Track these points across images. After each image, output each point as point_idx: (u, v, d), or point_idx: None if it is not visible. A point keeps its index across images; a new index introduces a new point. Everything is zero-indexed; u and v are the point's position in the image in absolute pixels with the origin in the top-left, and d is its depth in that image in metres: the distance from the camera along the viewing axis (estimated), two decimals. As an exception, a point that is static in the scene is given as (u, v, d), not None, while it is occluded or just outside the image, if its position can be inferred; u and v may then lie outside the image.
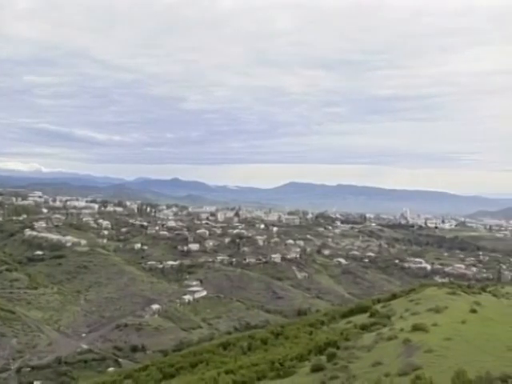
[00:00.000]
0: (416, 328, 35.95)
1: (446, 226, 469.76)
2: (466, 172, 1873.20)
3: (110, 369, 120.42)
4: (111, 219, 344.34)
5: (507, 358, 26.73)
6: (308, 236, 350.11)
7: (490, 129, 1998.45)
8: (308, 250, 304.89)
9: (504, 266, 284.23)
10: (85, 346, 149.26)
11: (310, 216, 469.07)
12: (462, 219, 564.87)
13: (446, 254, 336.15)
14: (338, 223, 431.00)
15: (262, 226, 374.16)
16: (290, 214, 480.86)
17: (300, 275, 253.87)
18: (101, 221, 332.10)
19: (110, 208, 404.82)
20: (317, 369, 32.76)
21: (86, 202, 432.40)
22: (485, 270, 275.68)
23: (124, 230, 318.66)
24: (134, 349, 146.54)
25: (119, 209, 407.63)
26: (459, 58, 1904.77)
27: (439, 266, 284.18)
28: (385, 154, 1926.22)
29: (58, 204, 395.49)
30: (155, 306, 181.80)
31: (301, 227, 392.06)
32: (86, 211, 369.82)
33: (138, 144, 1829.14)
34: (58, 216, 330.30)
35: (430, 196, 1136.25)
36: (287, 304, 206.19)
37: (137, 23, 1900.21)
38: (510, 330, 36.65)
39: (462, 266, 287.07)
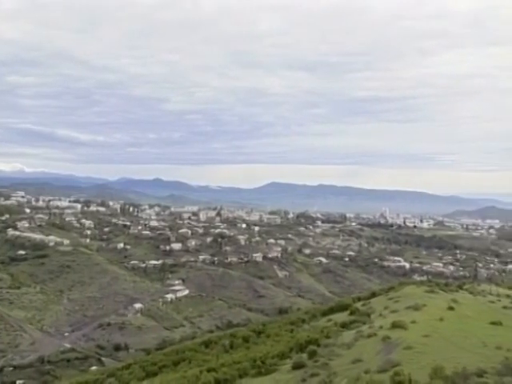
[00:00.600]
0: (395, 325, 36.16)
1: (425, 225, 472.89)
2: (445, 172, 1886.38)
3: (93, 367, 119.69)
4: (94, 219, 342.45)
5: (483, 354, 27.02)
6: (289, 235, 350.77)
7: (467, 130, 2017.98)
8: (289, 249, 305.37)
9: (480, 265, 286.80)
10: (68, 345, 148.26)
11: (291, 216, 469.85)
12: (440, 219, 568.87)
13: (424, 253, 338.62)
14: (319, 223, 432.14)
15: (244, 225, 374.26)
16: (271, 213, 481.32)
17: (281, 274, 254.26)
18: (84, 220, 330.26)
19: (92, 208, 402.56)
20: (298, 366, 32.87)
21: (69, 201, 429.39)
22: (462, 269, 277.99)
23: (107, 229, 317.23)
24: (117, 347, 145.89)
25: (102, 209, 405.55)
26: (437, 61, 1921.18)
27: (418, 265, 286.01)
28: (365, 155, 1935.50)
29: (40, 204, 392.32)
30: (138, 305, 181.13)
31: (282, 227, 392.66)
32: (69, 211, 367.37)
33: (120, 144, 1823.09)
34: (40, 216, 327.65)
35: (408, 196, 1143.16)
36: (269, 302, 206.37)
37: (119, 24, 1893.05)
38: (486, 327, 37.01)
39: (440, 265, 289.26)
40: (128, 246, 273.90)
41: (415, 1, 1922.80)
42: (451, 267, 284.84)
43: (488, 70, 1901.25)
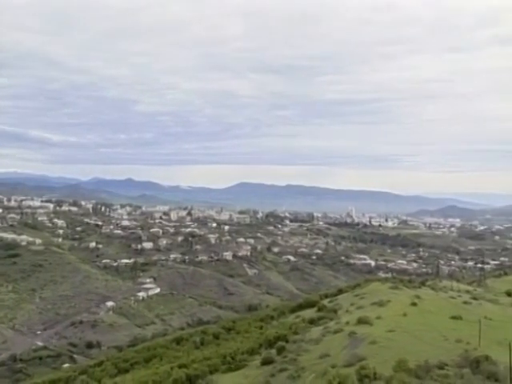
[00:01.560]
0: (361, 321, 36.49)
1: (389, 224, 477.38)
2: (408, 173, 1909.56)
3: (65, 365, 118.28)
4: (66, 218, 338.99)
5: (444, 347, 27.46)
6: (258, 234, 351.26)
7: (429, 132, 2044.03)
8: (258, 247, 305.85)
9: (442, 262, 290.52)
10: (40, 343, 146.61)
11: (260, 215, 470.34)
12: (404, 218, 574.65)
13: (389, 251, 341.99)
14: (287, 222, 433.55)
15: (214, 224, 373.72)
16: (240, 213, 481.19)
17: (251, 272, 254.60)
18: (56, 220, 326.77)
19: (65, 207, 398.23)
20: (267, 362, 32.99)
21: (41, 201, 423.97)
22: (424, 266, 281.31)
23: (79, 229, 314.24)
24: (89, 345, 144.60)
25: (74, 208, 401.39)
26: (399, 66, 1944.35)
27: (382, 262, 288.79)
28: (332, 156, 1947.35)
29: (12, 204, 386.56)
30: (110, 303, 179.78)
31: (251, 226, 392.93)
32: (41, 211, 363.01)
33: (92, 145, 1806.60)
34: (12, 215, 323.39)
35: (374, 196, 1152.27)
36: (238, 300, 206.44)
37: (91, 27, 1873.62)
38: (447, 321, 37.56)
39: (404, 262, 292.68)
40: (100, 245, 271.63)
41: (378, 8, 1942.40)
42: (414, 264, 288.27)
43: (445, 75, 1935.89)
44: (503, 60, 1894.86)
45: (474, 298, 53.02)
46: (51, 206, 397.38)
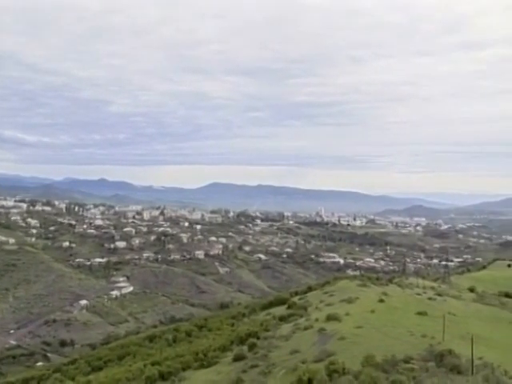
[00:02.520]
0: (330, 318, 36.71)
1: (357, 223, 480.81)
2: (376, 173, 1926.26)
3: (39, 363, 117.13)
4: (40, 218, 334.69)
5: (410, 342, 27.82)
6: (230, 233, 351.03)
7: (397, 134, 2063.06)
8: (230, 246, 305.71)
9: (408, 259, 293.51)
10: (13, 342, 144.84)
11: (231, 215, 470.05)
12: (372, 217, 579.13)
13: (357, 249, 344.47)
14: (258, 221, 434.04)
15: (186, 224, 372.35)
16: (212, 212, 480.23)
17: (222, 270, 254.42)
18: (29, 220, 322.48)
19: (38, 207, 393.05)
20: (238, 358, 33.04)
21: (15, 201, 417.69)
22: (391, 263, 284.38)
23: (52, 228, 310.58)
24: (63, 343, 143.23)
25: (48, 208, 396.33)
26: (368, 69, 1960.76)
27: (351, 260, 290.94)
28: (302, 157, 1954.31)
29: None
30: (83, 302, 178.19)
31: (223, 225, 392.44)
32: (15, 210, 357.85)
33: (66, 145, 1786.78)
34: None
35: (342, 196, 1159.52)
36: (210, 298, 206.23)
37: (64, 28, 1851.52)
38: (413, 317, 38.02)
39: (372, 260, 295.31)
40: (73, 245, 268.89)
41: (349, 12, 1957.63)
42: (382, 262, 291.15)
43: (412, 78, 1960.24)
44: (466, 65, 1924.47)
45: (439, 295, 53.71)
46: (24, 205, 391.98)
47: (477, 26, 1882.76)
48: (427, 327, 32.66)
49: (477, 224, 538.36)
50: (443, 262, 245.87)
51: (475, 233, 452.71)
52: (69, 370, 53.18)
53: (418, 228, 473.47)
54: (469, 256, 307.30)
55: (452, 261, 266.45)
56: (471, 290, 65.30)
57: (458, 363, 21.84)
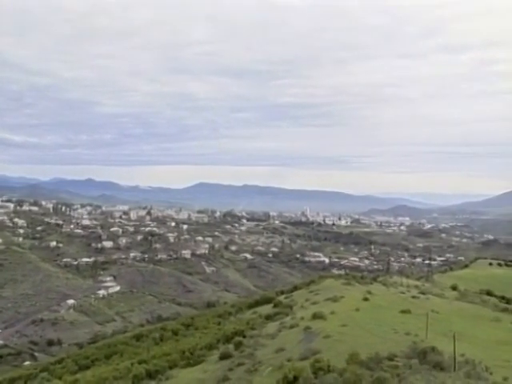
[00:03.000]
0: (315, 316, 36.83)
1: (342, 222, 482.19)
2: (361, 173, 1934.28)
3: (26, 363, 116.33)
4: (27, 218, 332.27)
5: (394, 340, 27.99)
6: (216, 233, 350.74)
7: (381, 135, 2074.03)
8: (216, 246, 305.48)
9: (392, 258, 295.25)
10: (0, 342, 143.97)
11: (217, 214, 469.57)
12: (357, 217, 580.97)
13: (342, 249, 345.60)
14: (244, 221, 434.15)
15: (173, 224, 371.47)
16: (199, 212, 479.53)
17: (209, 270, 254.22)
18: (16, 220, 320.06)
19: (25, 207, 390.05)
20: (225, 356, 33.05)
21: (2, 201, 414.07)
22: (376, 262, 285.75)
23: (39, 228, 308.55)
24: (50, 343, 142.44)
25: (35, 208, 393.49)
26: (352, 71, 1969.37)
27: (336, 260, 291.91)
28: (287, 157, 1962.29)
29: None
30: (70, 301, 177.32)
31: (209, 225, 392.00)
32: (2, 210, 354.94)
33: (53, 145, 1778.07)
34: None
35: (328, 195, 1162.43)
36: (197, 297, 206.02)
37: (51, 29, 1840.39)
38: (397, 315, 38.24)
39: (356, 259, 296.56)
40: (60, 245, 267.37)
41: (333, 14, 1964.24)
42: (366, 261, 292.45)
43: (396, 80, 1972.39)
44: (448, 67, 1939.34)
45: (422, 293, 54.03)
46: (11, 205, 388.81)
47: (457, 29, 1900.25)
48: (411, 325, 32.87)
49: (459, 224, 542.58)
50: (426, 261, 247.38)
51: (458, 232, 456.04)
52: (56, 369, 52.88)
53: (402, 227, 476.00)
54: (451, 255, 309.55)
55: (435, 260, 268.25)
56: (454, 288, 65.79)
57: (441, 360, 22.03)
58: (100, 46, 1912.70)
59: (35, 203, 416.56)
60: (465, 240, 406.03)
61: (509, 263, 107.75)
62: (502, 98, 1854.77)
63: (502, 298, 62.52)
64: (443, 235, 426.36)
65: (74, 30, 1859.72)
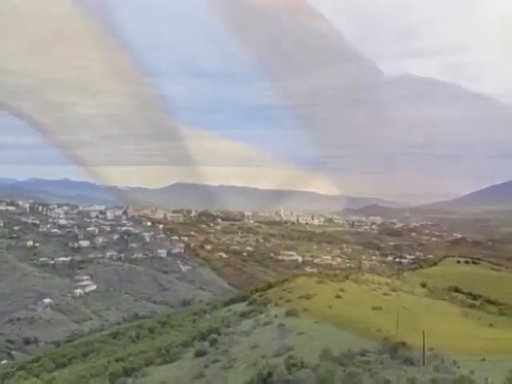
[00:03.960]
0: (289, 314, 37.00)
1: (316, 222, 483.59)
2: (333, 174, 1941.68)
3: (3, 361, 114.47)
4: (3, 218, 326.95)
5: (366, 336, 28.21)
6: (192, 232, 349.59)
7: (354, 135, 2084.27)
8: (192, 245, 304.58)
9: (364, 257, 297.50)
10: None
11: (193, 214, 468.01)
12: (330, 216, 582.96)
13: (315, 247, 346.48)
14: (219, 221, 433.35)
15: (149, 223, 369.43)
16: (175, 212, 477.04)
17: (184, 268, 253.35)
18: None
19: (2, 207, 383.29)
20: (200, 354, 33.03)
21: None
22: (348, 261, 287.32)
23: (16, 228, 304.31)
24: (27, 341, 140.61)
25: (11, 208, 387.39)
26: (328, 73, 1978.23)
27: (309, 258, 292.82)
28: (262, 158, 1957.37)
29: None
30: (47, 300, 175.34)
31: (185, 224, 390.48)
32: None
33: (30, 146, 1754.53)
34: None
35: (301, 195, 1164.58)
36: (173, 295, 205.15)
37: (28, 30, 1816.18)
38: (369, 312, 38.53)
39: (329, 258, 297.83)
40: (37, 244, 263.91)
41: (307, 17, 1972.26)
42: (339, 260, 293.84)
43: (369, 82, 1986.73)
44: (417, 71, 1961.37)
45: (393, 290, 54.53)
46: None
47: (426, 34, 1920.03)
48: (382, 321, 33.13)
49: (429, 223, 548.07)
50: (397, 259, 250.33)
51: (427, 231, 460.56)
52: (33, 367, 52.39)
53: (374, 227, 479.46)
54: (421, 253, 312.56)
55: (405, 258, 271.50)
56: (423, 285, 66.53)
57: (411, 355, 22.27)
58: (78, 47, 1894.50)
59: (12, 203, 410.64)
60: (434, 239, 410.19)
61: (476, 261, 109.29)
62: (468, 102, 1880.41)
63: (470, 294, 63.41)
64: (413, 234, 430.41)
65: (51, 32, 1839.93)
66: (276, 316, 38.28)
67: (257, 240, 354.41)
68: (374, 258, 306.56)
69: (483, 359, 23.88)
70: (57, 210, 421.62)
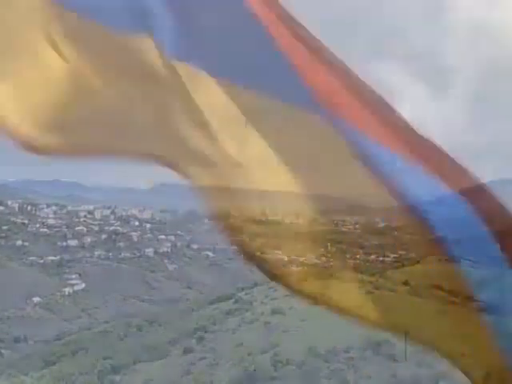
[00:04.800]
0: (275, 311, 37.06)
1: (301, 221, 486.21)
2: (317, 173, 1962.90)
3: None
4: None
5: (350, 333, 28.39)
6: (178, 232, 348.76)
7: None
8: (178, 244, 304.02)
9: (348, 255, 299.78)
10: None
11: (180, 213, 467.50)
12: (314, 215, 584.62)
13: (300, 247, 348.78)
14: (206, 220, 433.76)
15: (137, 223, 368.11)
16: (162, 211, 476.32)
17: (171, 267, 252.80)
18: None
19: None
20: (187, 351, 33.04)
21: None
22: (332, 260, 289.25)
23: (5, 227, 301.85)
24: (17, 340, 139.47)
25: (0, 208, 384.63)
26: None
27: (294, 257, 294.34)
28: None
29: None
30: (37, 299, 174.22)
31: (172, 224, 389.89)
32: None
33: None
34: None
35: (286, 194, 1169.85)
36: (160, 294, 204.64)
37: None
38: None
39: (313, 256, 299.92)
40: (26, 243, 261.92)
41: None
42: (323, 258, 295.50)
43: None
44: (392, 76, 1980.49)
45: (376, 288, 54.89)
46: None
47: (405, 38, 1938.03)
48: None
49: (411, 221, 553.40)
50: (380, 258, 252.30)
51: (410, 230, 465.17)
52: (23, 365, 52.10)
53: (357, 226, 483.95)
54: (404, 252, 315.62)
55: (388, 256, 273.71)
56: (405, 283, 67.05)
57: (393, 352, 22.47)
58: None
59: (1, 203, 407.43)
60: (416, 237, 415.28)
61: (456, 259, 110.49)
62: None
63: (450, 291, 63.95)
64: (395, 233, 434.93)
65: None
66: (262, 314, 38.36)
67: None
68: (357, 256, 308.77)
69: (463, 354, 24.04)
70: (46, 210, 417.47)
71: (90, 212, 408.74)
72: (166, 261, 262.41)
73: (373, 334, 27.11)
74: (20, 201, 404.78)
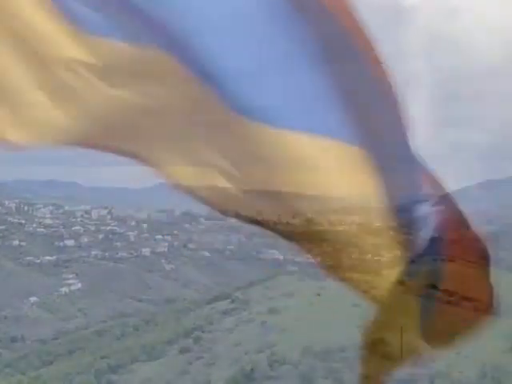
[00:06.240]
0: (271, 311, 37.06)
1: (297, 221, 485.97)
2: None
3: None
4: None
5: (345, 333, 28.37)
6: (175, 232, 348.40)
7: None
8: (175, 244, 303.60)
9: (344, 255, 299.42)
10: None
11: (177, 213, 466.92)
12: (310, 215, 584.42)
13: (296, 246, 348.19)
14: (202, 220, 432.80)
15: (134, 223, 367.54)
16: (159, 211, 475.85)
17: (168, 267, 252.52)
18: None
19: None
20: (184, 351, 33.01)
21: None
22: (328, 259, 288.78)
23: (2, 227, 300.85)
24: (14, 339, 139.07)
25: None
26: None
27: (290, 257, 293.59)
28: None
29: None
30: (33, 299, 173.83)
31: (169, 224, 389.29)
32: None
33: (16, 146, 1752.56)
34: None
35: (282, 194, 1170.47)
36: (157, 293, 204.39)
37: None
38: (348, 309, 38.73)
39: (309, 256, 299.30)
40: (23, 243, 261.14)
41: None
42: (319, 258, 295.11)
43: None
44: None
45: (373, 288, 54.84)
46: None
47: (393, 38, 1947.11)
48: (362, 318, 33.32)
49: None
50: (376, 258, 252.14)
51: (405, 229, 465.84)
52: (20, 364, 51.99)
53: (353, 226, 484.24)
54: (399, 251, 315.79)
55: (384, 256, 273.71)
56: (400, 282, 67.04)
57: (389, 351, 22.46)
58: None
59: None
60: (411, 237, 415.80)
61: (452, 258, 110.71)
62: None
63: (445, 290, 63.99)
64: (392, 233, 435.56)
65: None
66: (258, 313, 38.32)
67: (239, 238, 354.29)
68: (353, 255, 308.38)
69: (458, 353, 24.14)
70: (43, 210, 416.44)
71: (86, 212, 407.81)
72: (162, 261, 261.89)
73: (369, 333, 27.03)
74: (17, 201, 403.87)
